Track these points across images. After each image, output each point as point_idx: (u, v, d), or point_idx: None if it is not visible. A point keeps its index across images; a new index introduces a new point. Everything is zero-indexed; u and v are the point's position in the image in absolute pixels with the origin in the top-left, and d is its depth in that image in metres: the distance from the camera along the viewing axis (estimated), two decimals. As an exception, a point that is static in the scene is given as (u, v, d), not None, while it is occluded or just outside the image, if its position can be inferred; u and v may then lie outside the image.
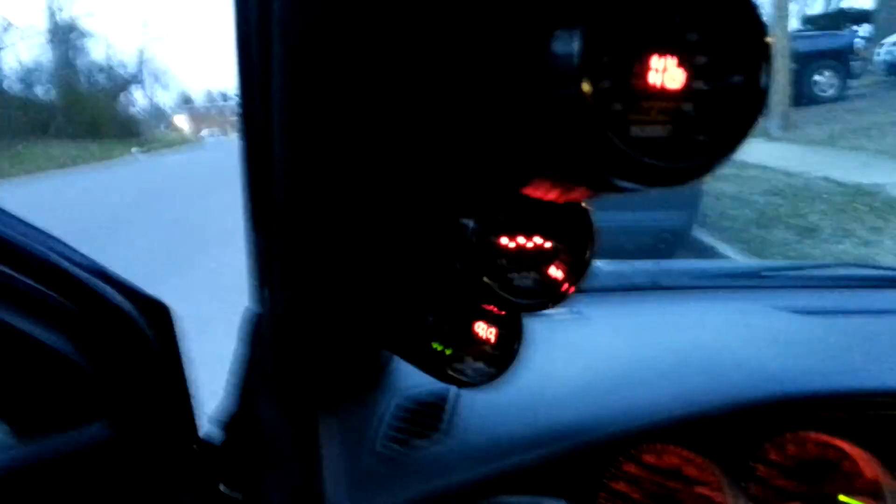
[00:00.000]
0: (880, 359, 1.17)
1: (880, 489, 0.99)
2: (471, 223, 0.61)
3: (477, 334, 0.79)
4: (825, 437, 1.01)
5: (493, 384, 0.82)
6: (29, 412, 0.90)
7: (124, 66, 46.52)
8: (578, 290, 0.66)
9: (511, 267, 0.64)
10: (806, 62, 13.89)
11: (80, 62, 41.50)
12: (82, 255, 0.96)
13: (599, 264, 0.66)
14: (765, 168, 8.85)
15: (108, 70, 44.15)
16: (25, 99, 33.56)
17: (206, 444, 1.12)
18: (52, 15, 39.25)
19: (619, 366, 1.14)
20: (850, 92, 14.78)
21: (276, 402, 1.05)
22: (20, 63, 36.61)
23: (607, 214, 0.66)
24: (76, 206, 12.53)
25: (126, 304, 0.95)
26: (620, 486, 0.98)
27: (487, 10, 0.45)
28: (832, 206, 7.04)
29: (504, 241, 0.63)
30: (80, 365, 0.90)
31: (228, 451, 1.14)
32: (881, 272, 1.82)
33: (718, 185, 7.95)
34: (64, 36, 39.73)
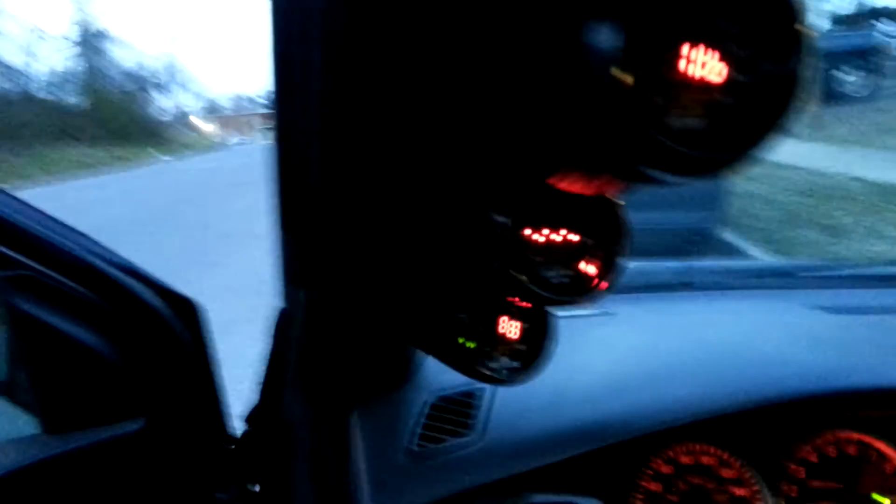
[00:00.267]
0: None
1: None
2: (502, 218, 0.61)
3: (507, 331, 0.79)
4: (858, 436, 1.00)
5: (524, 381, 0.81)
6: (61, 408, 0.91)
7: (154, 73, 47.15)
8: (611, 287, 0.66)
9: (542, 261, 0.63)
10: (837, 62, 13.72)
11: (111, 70, 42.10)
12: (115, 253, 0.98)
13: (629, 263, 0.66)
14: (793, 168, 8.74)
15: (136, 76, 44.73)
16: (55, 105, 34.09)
17: (237, 441, 1.13)
18: (84, 24, 39.89)
19: (649, 364, 1.13)
20: (879, 91, 14.57)
21: (306, 399, 1.06)
22: (51, 70, 37.22)
23: (634, 214, 0.65)
24: (104, 209, 12.70)
25: (158, 302, 0.96)
26: (655, 487, 0.97)
27: (523, 3, 0.45)
28: (861, 206, 6.93)
29: (535, 235, 0.63)
30: (112, 361, 0.91)
31: (258, 448, 1.15)
32: (912, 271, 1.79)
33: (746, 185, 7.87)
34: (93, 44, 40.32)
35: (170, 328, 0.96)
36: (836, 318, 1.33)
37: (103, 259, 0.94)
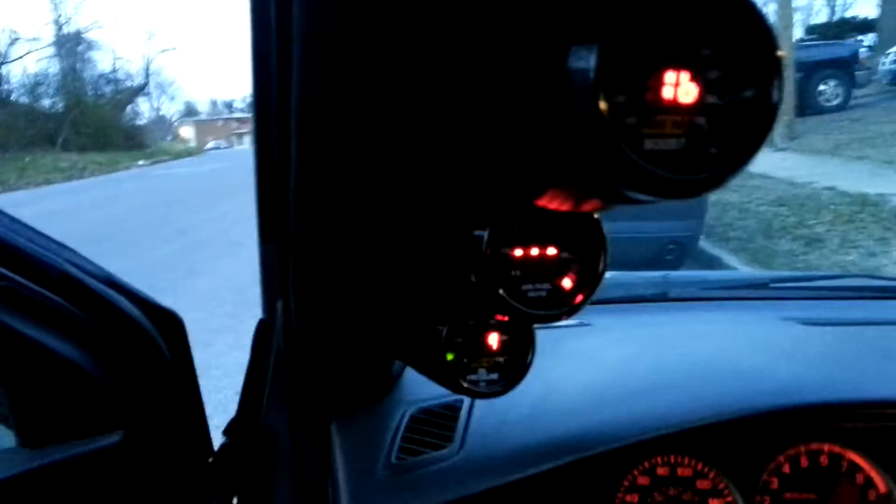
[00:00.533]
0: (891, 369, 1.17)
1: (893, 501, 0.99)
2: (484, 234, 0.62)
3: (489, 345, 0.79)
4: (838, 449, 1.01)
5: (503, 393, 0.82)
6: (39, 421, 0.90)
7: (131, 77, 46.78)
8: (588, 301, 0.67)
9: (524, 278, 0.64)
10: (810, 72, 13.91)
11: (87, 73, 41.74)
12: (95, 265, 0.97)
13: (606, 275, 0.67)
14: (770, 178, 8.85)
15: (114, 81, 44.38)
16: (32, 110, 33.70)
17: (216, 454, 1.12)
18: (59, 26, 39.54)
19: (628, 376, 1.14)
20: (854, 101, 14.79)
21: (288, 411, 1.06)
22: (27, 74, 36.83)
23: (613, 225, 0.66)
24: (80, 215, 12.58)
25: (138, 314, 0.95)
26: (634, 499, 0.98)
27: (504, 25, 0.46)
28: (838, 216, 7.03)
29: (517, 252, 0.64)
30: (91, 374, 0.91)
31: (238, 460, 1.14)
32: (888, 283, 1.82)
33: (724, 195, 7.95)
34: (70, 47, 39.96)
35: (150, 340, 0.95)
36: (810, 331, 1.35)
37: (82, 270, 0.93)
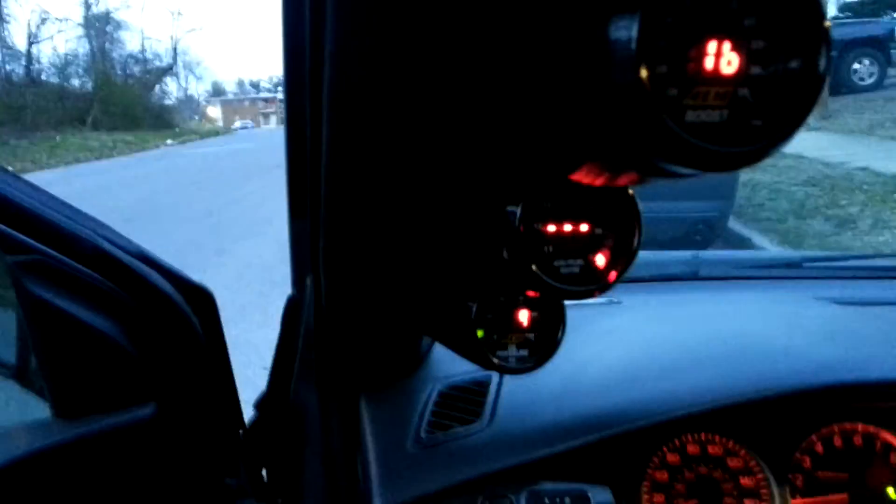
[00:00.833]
0: None
1: None
2: (517, 210, 0.61)
3: (520, 321, 0.79)
4: (872, 429, 1.00)
5: (533, 370, 0.82)
6: (73, 393, 0.91)
7: (159, 56, 47.12)
8: (621, 278, 0.66)
9: (557, 254, 0.64)
10: (844, 50, 13.62)
11: (116, 53, 42.10)
12: (128, 240, 0.98)
13: (638, 254, 0.66)
14: (802, 158, 8.71)
15: (142, 61, 44.70)
16: (62, 90, 34.08)
17: (247, 427, 1.13)
18: (88, 6, 39.84)
19: (659, 354, 1.14)
20: (889, 81, 14.46)
21: (318, 386, 1.06)
22: (57, 55, 37.20)
23: (642, 205, 0.66)
24: (109, 194, 12.73)
25: (171, 290, 0.96)
26: (664, 476, 0.98)
27: None
28: (871, 196, 6.91)
29: (550, 228, 0.63)
30: (124, 347, 0.92)
31: (268, 434, 1.16)
32: (923, 262, 1.79)
33: (754, 175, 7.85)
34: (100, 27, 40.28)
35: (182, 314, 0.96)
36: (843, 310, 1.33)
37: (116, 245, 0.94)
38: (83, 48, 39.02)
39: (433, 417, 1.01)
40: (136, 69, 43.86)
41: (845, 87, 13.63)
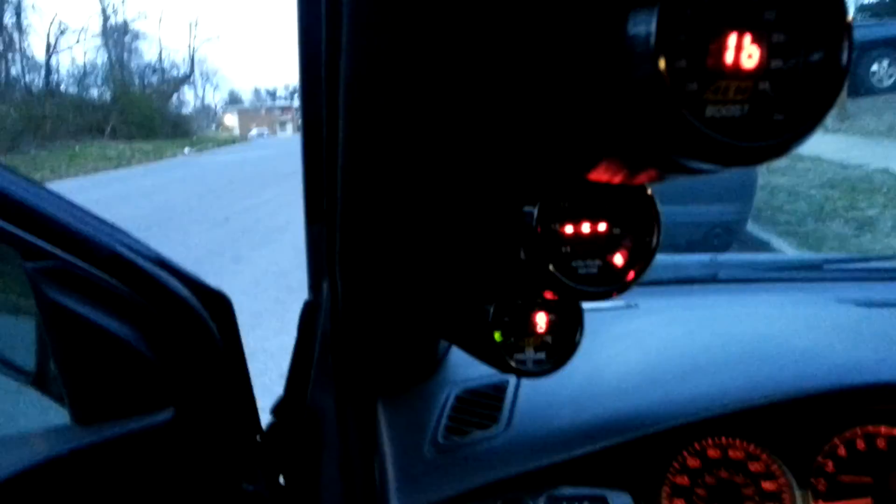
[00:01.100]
0: None
1: None
2: (534, 211, 0.61)
3: (537, 324, 0.78)
4: (888, 430, 0.99)
5: (550, 373, 0.81)
6: (92, 399, 0.92)
7: (176, 66, 47.59)
8: (639, 278, 0.65)
9: (574, 254, 0.63)
10: (863, 51, 13.51)
11: (134, 63, 42.54)
12: (146, 246, 0.99)
13: (655, 258, 0.66)
14: (820, 160, 8.63)
15: (160, 71, 45.14)
16: (81, 100, 34.44)
17: (264, 433, 1.13)
18: (107, 17, 40.27)
19: (678, 356, 1.12)
20: (905, 81, 14.31)
21: (335, 391, 1.06)
22: (76, 65, 37.61)
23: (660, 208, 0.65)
24: (130, 205, 12.82)
25: (189, 295, 0.96)
26: (684, 480, 0.97)
27: None
28: (891, 198, 6.83)
29: (567, 228, 0.62)
30: (142, 352, 0.92)
31: (285, 439, 1.15)
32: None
33: (773, 178, 7.79)
34: (118, 38, 40.69)
35: (200, 320, 0.96)
36: (865, 312, 1.31)
37: (134, 251, 0.94)
38: (101, 58, 39.53)
39: (450, 422, 1.00)
40: (154, 79, 44.32)
41: (864, 88, 13.50)
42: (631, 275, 0.64)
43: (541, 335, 0.79)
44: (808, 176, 8.07)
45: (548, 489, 0.90)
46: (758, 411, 0.97)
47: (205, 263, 7.07)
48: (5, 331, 1.16)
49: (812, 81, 0.40)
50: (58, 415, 0.96)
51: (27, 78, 34.25)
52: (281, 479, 1.18)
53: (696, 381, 1.03)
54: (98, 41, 40.06)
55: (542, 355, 0.79)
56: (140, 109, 35.96)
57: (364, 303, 0.93)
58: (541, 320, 0.79)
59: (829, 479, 0.98)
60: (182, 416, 0.94)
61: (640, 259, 0.65)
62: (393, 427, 1.01)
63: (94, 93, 37.15)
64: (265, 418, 1.16)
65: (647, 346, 1.18)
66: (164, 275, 0.95)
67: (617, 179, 0.51)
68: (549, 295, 0.77)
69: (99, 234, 0.92)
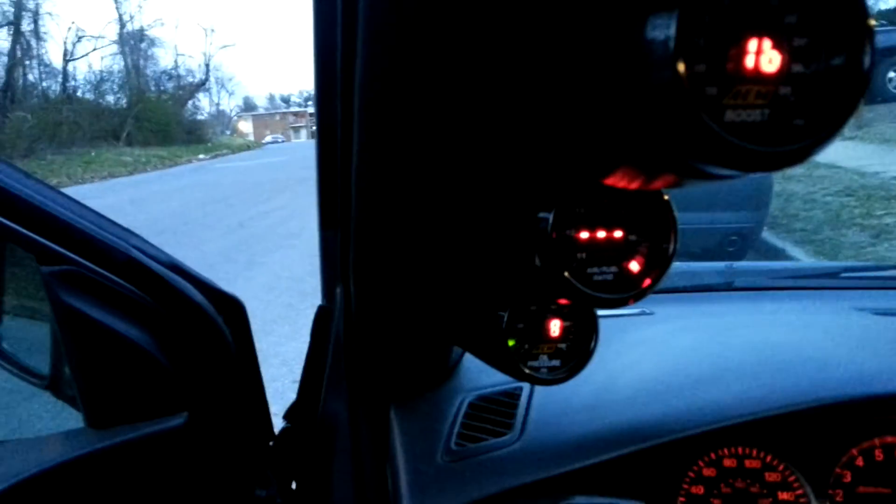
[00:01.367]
0: None
1: None
2: (549, 217, 0.61)
3: (551, 331, 0.78)
4: None
5: (564, 380, 0.81)
6: (105, 403, 0.92)
7: (192, 72, 47.81)
8: (656, 285, 0.65)
9: (590, 261, 0.62)
10: (879, 58, 13.37)
11: (150, 70, 42.82)
12: (160, 250, 0.99)
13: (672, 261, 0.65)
14: (837, 168, 8.57)
15: (176, 77, 45.41)
16: (97, 106, 34.71)
17: (276, 438, 1.13)
18: (123, 24, 40.61)
19: (694, 365, 1.11)
20: (923, 89, 14.20)
21: (347, 397, 1.06)
22: (92, 71, 37.96)
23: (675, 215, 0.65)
24: (145, 210, 12.90)
25: (203, 300, 0.97)
26: (699, 490, 0.96)
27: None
28: (903, 206, 6.78)
29: (583, 234, 0.62)
30: (156, 357, 0.92)
31: (298, 445, 1.15)
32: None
33: (788, 185, 7.75)
34: (134, 45, 41.02)
35: (213, 324, 0.96)
36: (883, 321, 1.30)
37: (149, 256, 0.95)
38: (118, 65, 39.80)
39: (463, 429, 1.00)
40: (170, 85, 44.58)
41: (880, 96, 13.41)
42: (647, 282, 0.64)
43: (555, 342, 0.78)
44: (823, 183, 8.01)
45: (561, 498, 0.89)
46: (774, 420, 0.96)
47: (218, 269, 7.10)
48: (21, 335, 1.17)
49: (833, 86, 0.39)
50: (72, 419, 0.96)
51: (44, 84, 34.57)
52: (293, 485, 1.18)
53: (712, 389, 1.02)
54: (114, 48, 40.28)
55: (556, 362, 0.79)
56: (156, 115, 36.23)
57: (377, 308, 0.93)
58: (555, 327, 0.78)
59: (847, 491, 0.97)
60: (195, 420, 0.95)
61: (657, 266, 0.64)
62: (405, 433, 1.01)
63: (111, 99, 37.45)
64: (278, 424, 1.16)
65: (663, 353, 1.17)
66: (178, 279, 0.95)
67: (634, 185, 0.51)
68: (563, 301, 0.77)
69: (114, 239, 0.92)
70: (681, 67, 0.37)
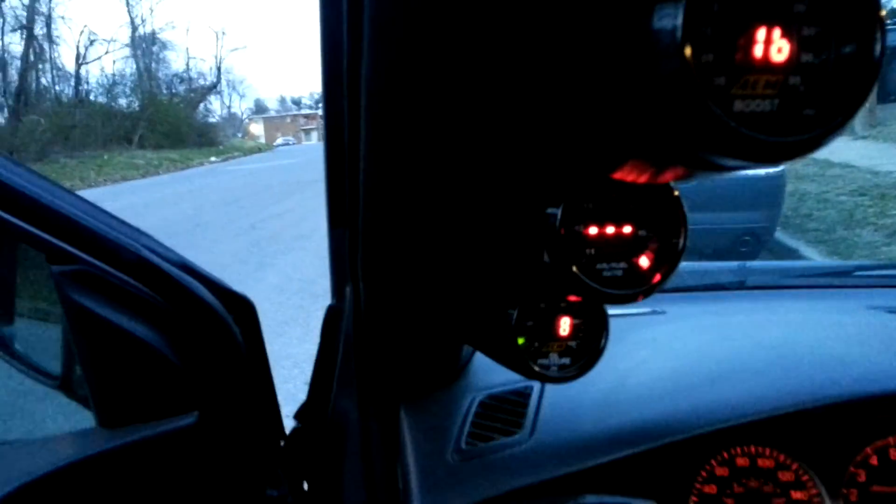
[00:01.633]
0: None
1: None
2: (558, 212, 0.60)
3: (561, 329, 0.77)
4: None
5: (574, 379, 0.80)
6: (116, 402, 0.92)
7: (203, 75, 48.08)
8: (665, 282, 0.64)
9: (599, 257, 0.62)
10: (891, 57, 13.34)
11: (162, 73, 43.07)
12: (171, 250, 0.99)
13: (682, 264, 0.64)
14: (850, 167, 8.53)
15: (187, 80, 45.64)
16: (109, 109, 34.91)
17: (287, 438, 1.13)
18: (135, 27, 40.85)
19: (705, 363, 1.11)
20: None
21: (358, 396, 1.06)
22: (105, 75, 38.17)
23: (687, 214, 0.64)
24: (157, 213, 12.97)
25: (213, 300, 0.97)
26: (712, 489, 0.95)
27: None
28: (917, 205, 6.74)
29: (592, 230, 0.62)
30: (167, 357, 0.92)
31: (309, 445, 1.15)
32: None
33: (801, 185, 7.71)
34: (146, 48, 41.25)
35: (224, 324, 0.96)
36: None
37: (159, 255, 0.95)
38: (130, 68, 40.07)
39: (473, 428, 0.99)
40: (181, 88, 44.83)
41: (893, 94, 13.33)
42: (657, 277, 0.63)
43: (565, 340, 0.78)
44: (836, 183, 7.97)
45: (572, 497, 0.89)
46: (787, 419, 0.95)
47: (230, 270, 7.13)
48: (33, 336, 1.18)
49: (843, 75, 0.39)
50: (83, 418, 0.96)
51: (57, 88, 34.83)
52: (304, 485, 1.18)
53: (724, 388, 1.02)
54: (126, 51, 40.58)
55: (566, 360, 0.78)
56: (167, 118, 36.41)
57: (387, 307, 0.93)
58: (565, 325, 0.78)
59: (861, 490, 0.96)
60: (206, 420, 0.95)
61: (667, 261, 0.63)
62: (416, 433, 1.01)
63: (123, 102, 37.66)
64: (290, 425, 1.16)
65: (675, 352, 1.17)
66: (188, 279, 0.96)
67: (643, 179, 0.50)
68: (573, 298, 0.76)
69: (125, 239, 0.93)
70: (688, 57, 0.36)
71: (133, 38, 40.68)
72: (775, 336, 1.22)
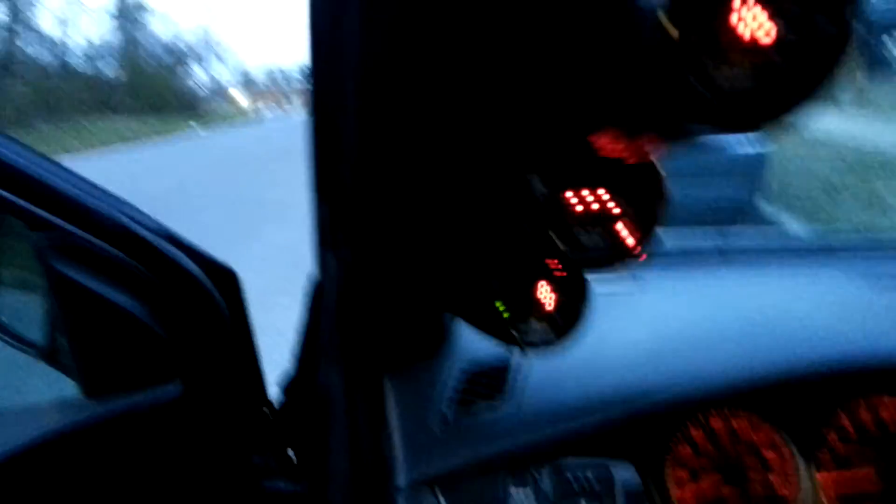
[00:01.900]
0: None
1: None
2: (537, 179, 0.61)
3: (541, 296, 0.78)
4: (893, 399, 0.98)
5: (557, 347, 0.81)
6: (101, 372, 0.92)
7: (189, 44, 47.31)
8: (646, 251, 0.65)
9: (577, 224, 0.63)
10: (879, 31, 13.32)
11: (144, 39, 42.37)
12: (154, 220, 0.99)
13: (660, 231, 0.65)
14: (834, 140, 8.56)
15: (173, 49, 44.95)
16: (94, 78, 34.41)
17: (274, 407, 1.14)
18: (118, -7, 40.11)
19: (683, 330, 1.12)
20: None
21: (341, 365, 1.07)
22: (90, 43, 37.56)
23: (669, 184, 0.64)
24: (141, 181, 12.85)
25: (197, 270, 0.97)
26: (686, 451, 0.97)
27: None
28: (904, 176, 6.78)
29: (570, 196, 0.62)
30: (151, 327, 0.93)
31: (295, 414, 1.16)
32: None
33: (785, 157, 7.73)
34: (131, 16, 40.57)
35: (208, 295, 0.96)
36: (878, 287, 1.30)
37: (143, 226, 0.95)
38: (114, 36, 39.40)
39: (457, 395, 1.01)
40: (164, 54, 44.15)
41: (880, 68, 13.33)
42: (635, 244, 0.64)
43: (545, 307, 0.79)
44: (823, 156, 8.00)
45: (552, 460, 0.91)
46: (761, 383, 0.97)
47: (214, 240, 7.08)
48: (17, 306, 1.17)
49: (819, 47, 0.40)
50: (67, 388, 0.97)
51: (39, 55, 34.24)
52: (290, 453, 1.19)
53: (701, 354, 1.03)
54: (114, 21, 39.89)
55: (546, 327, 0.79)
56: (150, 86, 35.93)
57: (370, 278, 0.93)
58: (546, 293, 0.78)
59: (832, 451, 0.98)
60: (190, 389, 0.95)
61: (645, 228, 0.64)
62: (400, 402, 1.02)
63: (106, 70, 37.11)
64: (276, 393, 1.17)
65: (653, 319, 1.18)
66: (171, 249, 0.95)
67: (621, 146, 0.51)
68: (552, 265, 0.77)
69: (106, 207, 0.92)
70: (670, 28, 0.37)
71: (119, 4, 40.01)
72: (753, 303, 1.23)
